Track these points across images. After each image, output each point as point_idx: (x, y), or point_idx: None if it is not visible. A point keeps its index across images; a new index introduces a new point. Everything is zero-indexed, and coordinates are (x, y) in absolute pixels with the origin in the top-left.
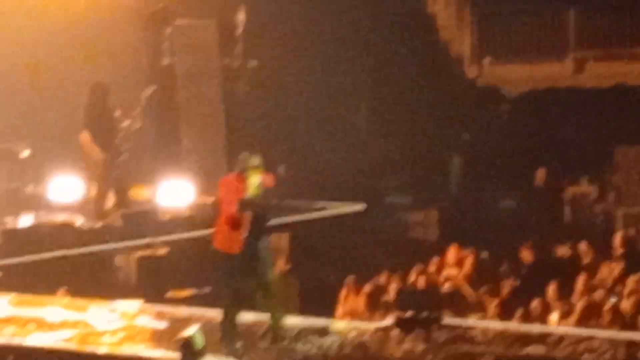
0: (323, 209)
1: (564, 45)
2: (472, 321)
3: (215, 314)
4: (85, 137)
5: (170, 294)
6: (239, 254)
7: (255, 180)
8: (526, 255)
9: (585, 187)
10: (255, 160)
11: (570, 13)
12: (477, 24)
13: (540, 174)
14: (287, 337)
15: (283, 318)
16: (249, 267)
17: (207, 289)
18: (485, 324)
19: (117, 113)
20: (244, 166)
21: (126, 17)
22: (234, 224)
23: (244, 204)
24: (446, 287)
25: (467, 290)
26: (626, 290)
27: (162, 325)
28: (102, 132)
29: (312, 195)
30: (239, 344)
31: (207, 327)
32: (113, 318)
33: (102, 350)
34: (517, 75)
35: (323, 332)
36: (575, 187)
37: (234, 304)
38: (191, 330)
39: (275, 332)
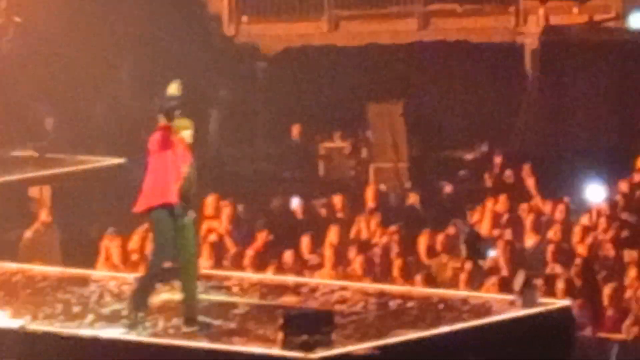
0: (85, 162)
1: (318, 4)
2: (228, 272)
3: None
4: None
5: None
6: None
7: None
8: (281, 208)
9: (339, 143)
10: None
11: None
12: None
13: (295, 130)
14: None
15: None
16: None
17: None
18: (240, 274)
19: None
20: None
21: None
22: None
23: None
24: (208, 238)
25: (226, 242)
26: (379, 243)
27: None
28: None
29: (77, 149)
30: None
31: None
32: None
33: None
34: (274, 33)
35: (84, 282)
36: (329, 143)
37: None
38: None
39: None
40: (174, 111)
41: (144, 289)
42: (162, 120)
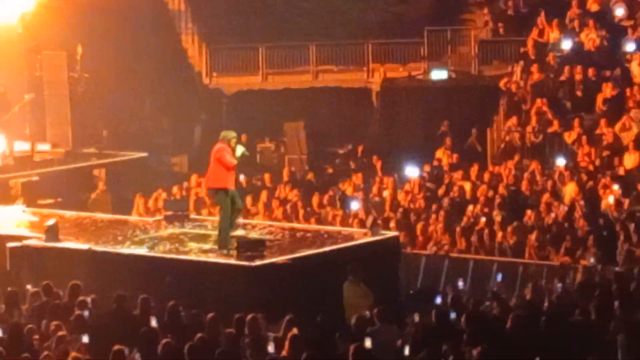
0: (123, 155)
1: (255, 66)
2: (207, 217)
3: (66, 213)
4: None
5: (40, 201)
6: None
7: (239, 147)
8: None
9: (268, 144)
10: (232, 134)
11: (260, 49)
12: (209, 54)
13: (243, 137)
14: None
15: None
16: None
17: (60, 199)
18: (212, 218)
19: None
20: (229, 139)
21: (16, 49)
22: (233, 169)
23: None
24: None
25: (205, 200)
26: (291, 200)
27: (35, 219)
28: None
29: (125, 148)
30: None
31: (61, 221)
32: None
33: None
34: (231, 82)
35: (124, 223)
36: (262, 144)
37: (228, 219)
38: (51, 221)
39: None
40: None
41: (224, 236)
42: (223, 141)
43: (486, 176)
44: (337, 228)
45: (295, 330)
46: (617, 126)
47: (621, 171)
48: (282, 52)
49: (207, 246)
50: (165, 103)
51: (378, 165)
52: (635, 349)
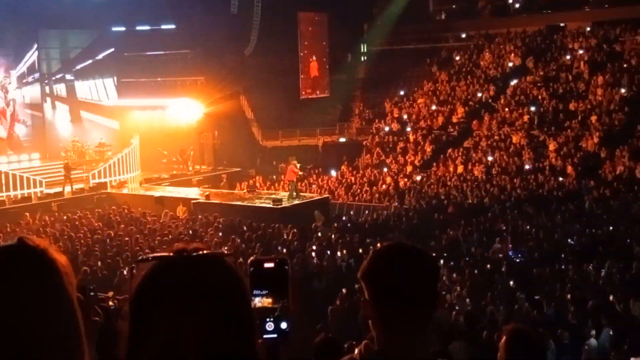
0: (230, 169)
1: (278, 137)
2: (262, 190)
3: (213, 190)
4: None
5: (203, 186)
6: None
7: (297, 166)
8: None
9: (283, 164)
10: (294, 159)
11: (279, 131)
12: (262, 133)
13: (275, 162)
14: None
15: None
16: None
17: (210, 186)
18: (262, 191)
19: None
20: (294, 162)
21: (192, 132)
22: (296, 174)
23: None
24: (257, 183)
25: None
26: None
27: (201, 192)
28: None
29: (232, 166)
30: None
31: (211, 194)
32: None
33: None
34: (270, 144)
35: (233, 193)
36: (281, 164)
37: (294, 191)
38: (207, 193)
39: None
40: (294, 162)
41: (291, 194)
42: (292, 162)
43: (359, 176)
44: (309, 194)
45: (294, 230)
46: (405, 157)
47: (407, 172)
48: (288, 132)
49: (263, 201)
50: (247, 151)
51: (320, 171)
52: (404, 231)
